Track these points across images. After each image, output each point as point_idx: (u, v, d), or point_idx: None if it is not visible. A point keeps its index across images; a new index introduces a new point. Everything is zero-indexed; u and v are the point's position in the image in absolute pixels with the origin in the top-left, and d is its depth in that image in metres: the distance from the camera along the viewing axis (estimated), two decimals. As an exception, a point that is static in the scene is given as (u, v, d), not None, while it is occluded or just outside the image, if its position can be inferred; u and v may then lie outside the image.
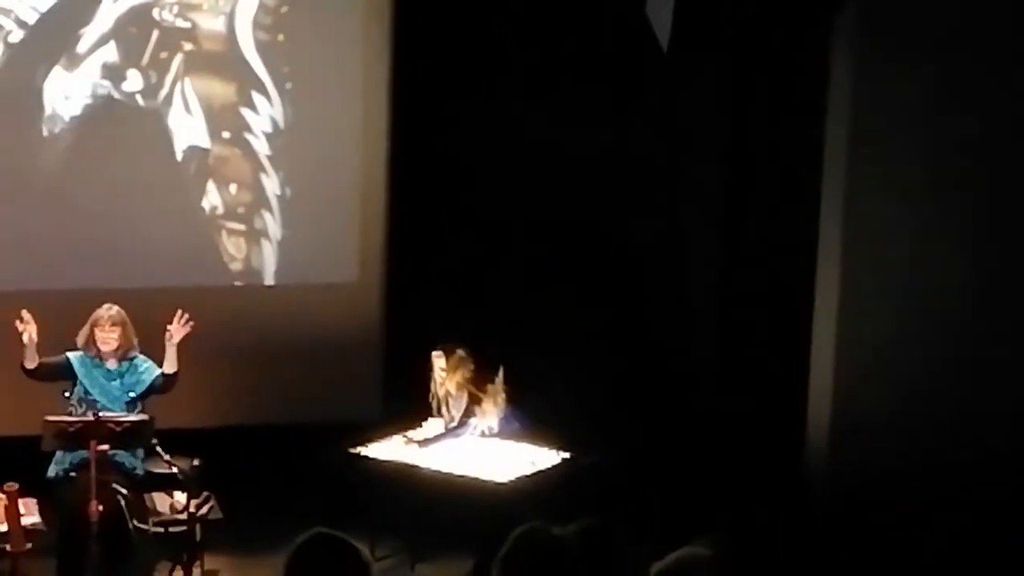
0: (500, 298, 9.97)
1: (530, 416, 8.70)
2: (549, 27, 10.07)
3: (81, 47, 9.56)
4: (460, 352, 8.70)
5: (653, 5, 8.39)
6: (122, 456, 7.89)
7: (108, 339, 7.96)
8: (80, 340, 8.01)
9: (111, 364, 8.01)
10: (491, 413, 8.65)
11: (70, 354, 8.02)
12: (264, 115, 9.90)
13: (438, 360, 8.72)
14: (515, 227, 10.27)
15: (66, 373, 8.02)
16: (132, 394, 8.03)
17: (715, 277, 10.07)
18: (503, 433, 8.64)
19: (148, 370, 8.06)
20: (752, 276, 9.78)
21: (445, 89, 10.01)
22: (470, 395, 8.69)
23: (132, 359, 8.07)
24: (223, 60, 9.80)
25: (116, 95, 9.63)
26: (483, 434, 8.65)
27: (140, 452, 7.99)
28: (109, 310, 8.04)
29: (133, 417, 7.88)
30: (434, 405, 8.79)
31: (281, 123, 9.92)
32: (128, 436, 7.78)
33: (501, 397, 8.68)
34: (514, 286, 10.12)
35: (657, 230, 10.29)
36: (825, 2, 8.18)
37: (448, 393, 8.74)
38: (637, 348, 10.20)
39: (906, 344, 8.23)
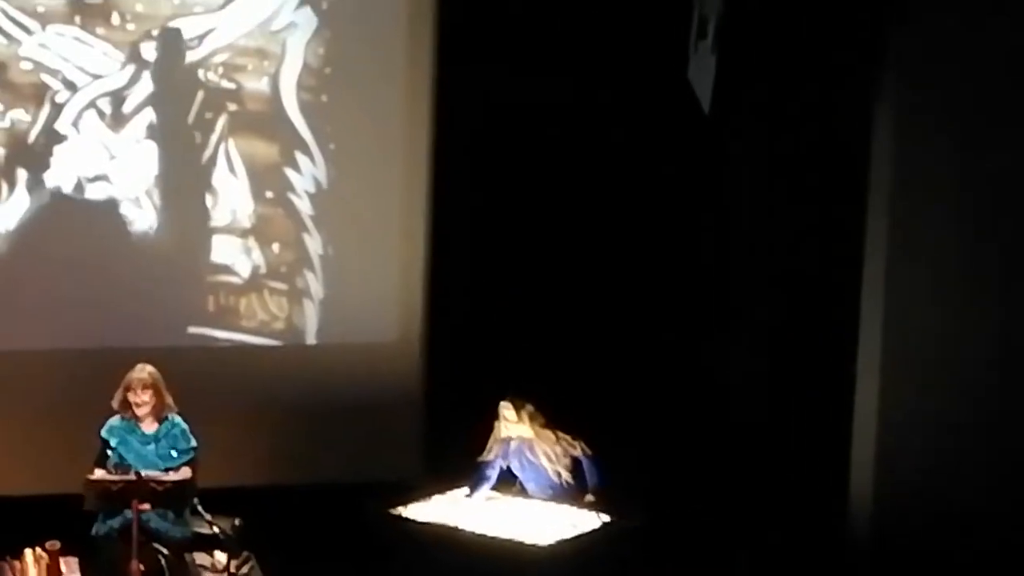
0: (542, 356, 9.98)
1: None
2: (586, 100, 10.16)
3: (127, 107, 9.66)
4: (529, 406, 8.73)
5: (694, 70, 8.47)
6: (155, 522, 7.89)
7: (141, 402, 7.98)
8: (115, 403, 8.04)
9: (147, 427, 8.02)
10: (565, 460, 8.67)
11: (104, 429, 8.04)
12: (307, 175, 9.96)
13: (507, 411, 8.73)
14: (556, 285, 10.29)
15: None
16: (175, 452, 8.04)
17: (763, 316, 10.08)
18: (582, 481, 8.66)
19: (184, 434, 8.06)
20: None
21: (485, 150, 10.06)
22: (558, 439, 8.69)
23: (168, 419, 8.07)
24: (267, 120, 9.87)
25: (161, 155, 9.71)
26: (564, 485, 8.64)
27: (171, 516, 7.97)
28: (140, 372, 8.04)
29: (175, 477, 7.90)
30: (491, 454, 8.76)
31: (324, 183, 9.98)
32: (170, 496, 7.79)
33: (580, 443, 8.70)
34: (556, 344, 10.14)
35: (707, 283, 10.32)
36: (865, 62, 8.24)
37: (520, 437, 8.69)
38: (682, 406, 10.21)
39: (952, 386, 8.22)
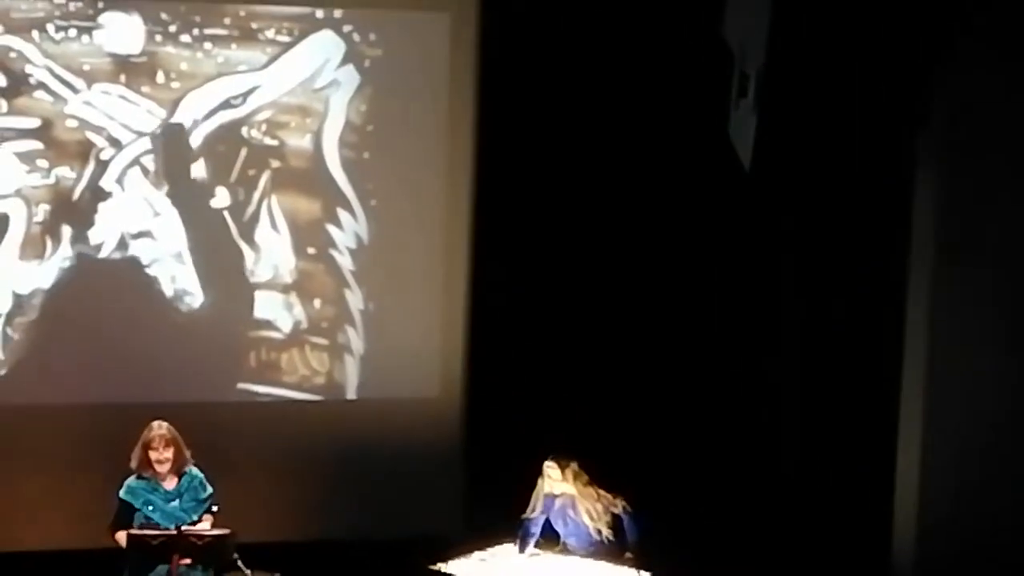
0: (584, 412, 9.97)
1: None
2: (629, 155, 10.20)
3: (171, 164, 9.74)
4: (574, 464, 8.73)
5: (735, 127, 8.50)
6: (187, 574, 7.88)
7: (164, 459, 7.95)
8: (133, 463, 7.98)
9: (168, 484, 7.97)
10: (606, 518, 8.67)
11: (123, 491, 8.02)
12: (349, 231, 10.02)
13: (551, 470, 8.73)
14: (599, 342, 10.29)
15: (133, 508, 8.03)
16: (210, 508, 8.04)
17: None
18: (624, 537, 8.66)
19: (202, 484, 8.05)
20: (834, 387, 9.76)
21: (526, 208, 10.09)
22: (599, 497, 8.69)
23: (188, 472, 8.06)
24: (309, 177, 9.94)
25: (205, 212, 9.79)
26: (605, 542, 8.65)
27: (200, 567, 7.96)
28: (160, 429, 7.98)
29: (215, 531, 7.89)
30: (535, 511, 8.75)
31: (365, 239, 10.03)
32: (210, 550, 7.79)
33: (622, 501, 8.70)
34: (598, 401, 10.13)
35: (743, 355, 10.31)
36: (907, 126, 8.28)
37: (563, 495, 8.69)
38: (724, 464, 10.17)
39: (996, 451, 8.21)
